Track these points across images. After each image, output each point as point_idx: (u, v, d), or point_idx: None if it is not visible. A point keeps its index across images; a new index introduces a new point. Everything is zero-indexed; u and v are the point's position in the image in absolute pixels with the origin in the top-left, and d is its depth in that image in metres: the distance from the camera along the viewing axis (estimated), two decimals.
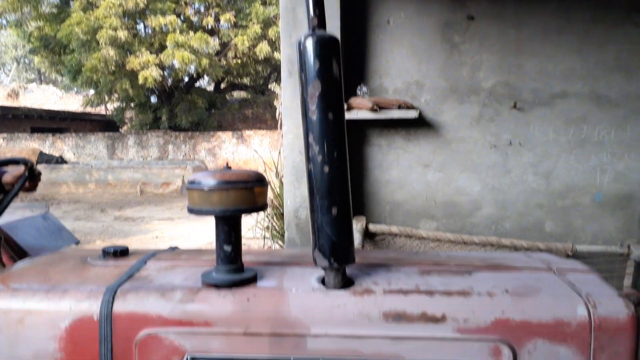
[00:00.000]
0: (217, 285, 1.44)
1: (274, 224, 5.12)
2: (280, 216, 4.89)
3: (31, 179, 2.18)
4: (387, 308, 1.37)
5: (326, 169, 1.32)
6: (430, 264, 1.63)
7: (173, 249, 1.91)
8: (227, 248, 1.44)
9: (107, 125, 30.82)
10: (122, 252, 1.73)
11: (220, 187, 1.33)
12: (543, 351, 1.32)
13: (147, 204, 15.63)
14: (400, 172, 4.12)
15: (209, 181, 1.34)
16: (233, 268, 1.45)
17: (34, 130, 27.14)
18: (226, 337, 1.39)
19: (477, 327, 1.33)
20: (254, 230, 5.16)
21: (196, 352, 1.40)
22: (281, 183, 4.90)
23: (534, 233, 3.98)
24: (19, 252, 2.11)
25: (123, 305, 1.43)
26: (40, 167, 16.04)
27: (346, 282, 1.45)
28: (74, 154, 24.66)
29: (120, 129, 29.40)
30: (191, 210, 1.38)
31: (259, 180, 1.39)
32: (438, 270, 1.55)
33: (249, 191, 1.36)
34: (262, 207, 1.42)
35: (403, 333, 1.35)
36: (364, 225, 4.21)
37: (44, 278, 1.55)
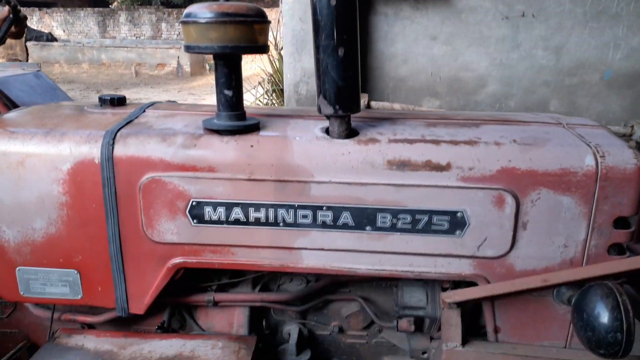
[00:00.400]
0: (219, 131, 1.41)
1: (274, 101, 5.02)
2: (280, 92, 4.77)
3: (16, 22, 2.05)
4: (391, 156, 1.36)
5: (333, 1, 1.22)
6: (437, 117, 1.59)
7: (171, 102, 1.86)
8: (228, 92, 1.38)
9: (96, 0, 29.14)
10: (119, 100, 1.68)
11: (218, 20, 1.24)
12: (546, 200, 1.32)
13: (143, 86, 15.30)
14: (406, 44, 3.93)
15: (205, 13, 1.24)
16: (235, 114, 1.41)
17: (20, 4, 25.65)
18: (230, 183, 1.39)
19: (482, 176, 1.33)
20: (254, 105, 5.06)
21: (200, 197, 1.41)
22: (280, 57, 4.71)
23: (539, 112, 3.92)
24: (11, 106, 2.05)
25: (124, 149, 1.40)
26: (30, 45, 15.40)
27: (351, 132, 1.42)
28: (64, 30, 23.60)
29: (110, 5, 27.85)
30: (188, 48, 1.30)
31: (259, 15, 1.29)
32: (445, 123, 1.52)
33: (249, 27, 1.27)
34: (263, 47, 1.34)
35: (407, 181, 1.35)
36: (366, 102, 4.13)
37: (41, 123, 1.51)
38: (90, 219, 1.45)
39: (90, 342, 1.57)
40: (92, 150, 1.41)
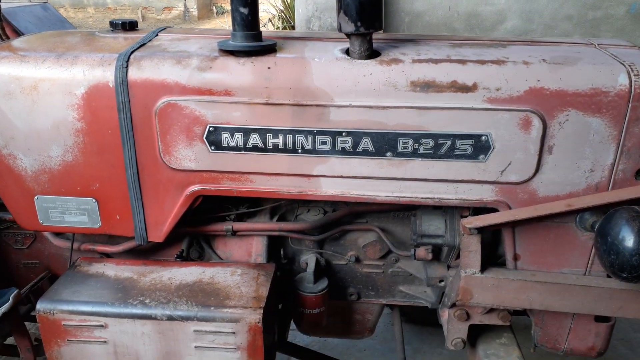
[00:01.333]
0: (235, 53, 1.36)
1: None
2: (291, 29, 4.63)
3: None
4: (415, 77, 1.30)
5: None
6: (462, 39, 1.52)
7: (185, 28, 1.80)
8: (244, 10, 1.32)
9: None
10: (130, 25, 1.62)
11: None
12: (575, 122, 1.28)
13: (150, 29, 14.99)
14: None
15: None
16: (251, 34, 1.35)
17: None
18: (247, 107, 1.36)
19: (509, 97, 1.28)
20: None
21: (218, 122, 1.38)
22: None
23: None
24: (17, 34, 2.00)
25: (138, 72, 1.36)
26: None
27: (372, 53, 1.36)
28: None
29: None
30: None
31: None
32: (471, 44, 1.45)
33: None
34: None
35: (431, 103, 1.30)
36: None
37: (52, 47, 1.47)
38: (106, 145, 1.44)
39: (111, 270, 1.59)
40: (106, 74, 1.37)
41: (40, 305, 1.43)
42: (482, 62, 1.31)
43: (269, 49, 1.38)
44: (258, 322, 1.40)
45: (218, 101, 1.35)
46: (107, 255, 1.72)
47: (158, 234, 1.56)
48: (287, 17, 4.65)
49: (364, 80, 1.32)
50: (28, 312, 1.81)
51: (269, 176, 1.42)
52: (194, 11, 16.60)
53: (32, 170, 1.49)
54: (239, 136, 1.37)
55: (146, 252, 1.72)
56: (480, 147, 1.31)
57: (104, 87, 1.37)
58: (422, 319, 2.72)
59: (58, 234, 1.71)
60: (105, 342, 1.44)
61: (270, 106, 1.34)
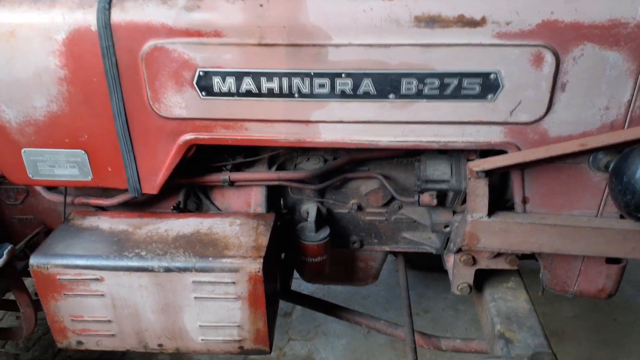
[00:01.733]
0: None
1: None
2: None
3: None
4: (419, 11, 1.21)
5: None
6: None
7: None
8: None
9: None
10: None
11: None
12: (590, 57, 1.19)
13: None
14: None
15: None
16: None
17: None
18: (239, 49, 1.27)
19: (520, 31, 1.18)
20: None
21: (208, 66, 1.29)
22: None
23: None
24: None
25: (122, 14, 1.26)
26: None
27: None
28: None
29: None
30: None
31: None
32: None
33: None
34: None
35: (436, 40, 1.21)
36: None
37: None
38: (92, 94, 1.36)
39: (105, 222, 1.55)
40: (87, 17, 1.27)
41: (34, 260, 1.40)
42: None
43: None
44: (258, 272, 1.37)
45: (207, 43, 1.26)
46: (102, 209, 1.68)
47: (152, 185, 1.51)
48: None
49: (363, 16, 1.22)
50: (25, 268, 1.79)
51: (265, 123, 1.36)
52: None
53: (17, 122, 1.42)
54: (231, 81, 1.29)
55: (142, 205, 1.67)
56: (488, 85, 1.24)
57: (85, 31, 1.28)
58: (426, 265, 2.72)
59: (50, 188, 1.66)
60: (102, 295, 1.42)
61: (264, 47, 1.25)
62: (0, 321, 2.25)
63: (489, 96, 1.25)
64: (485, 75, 1.23)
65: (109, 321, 1.47)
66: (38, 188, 1.66)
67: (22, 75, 1.35)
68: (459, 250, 1.45)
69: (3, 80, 1.36)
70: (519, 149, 1.30)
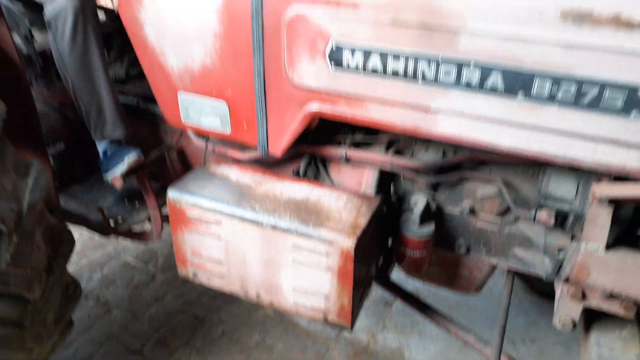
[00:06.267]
0: None
1: None
2: None
3: None
4: (568, 4, 1.09)
5: None
6: None
7: None
8: None
9: None
10: None
11: None
12: None
13: None
14: None
15: None
16: None
17: None
18: (372, 25, 1.29)
19: None
20: None
21: (341, 39, 1.34)
22: None
23: None
24: None
25: None
26: None
27: None
28: None
29: None
30: None
31: None
32: None
33: None
34: None
35: (582, 39, 1.09)
36: None
37: None
38: (239, 52, 1.50)
39: (234, 173, 1.72)
40: None
41: (170, 193, 1.62)
42: None
43: None
44: (350, 249, 1.40)
45: (344, 16, 1.31)
46: (237, 161, 1.86)
47: (277, 147, 1.62)
48: None
49: (504, 3, 1.14)
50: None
51: (384, 105, 1.36)
52: None
53: (178, 68, 1.64)
54: (359, 56, 1.32)
55: (269, 165, 1.81)
56: (635, 101, 1.07)
57: None
58: (547, 291, 2.46)
59: (197, 135, 1.89)
60: (219, 237, 1.59)
61: (396, 25, 1.26)
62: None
63: (633, 114, 1.08)
64: (632, 89, 1.07)
65: (220, 262, 1.64)
66: (188, 132, 1.90)
67: (187, 26, 1.55)
68: (568, 280, 1.30)
69: (172, 29, 1.57)
70: None
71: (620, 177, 1.20)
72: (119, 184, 1.83)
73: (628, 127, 1.11)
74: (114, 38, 2.02)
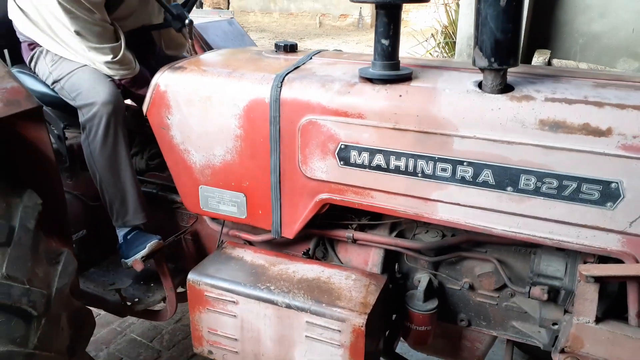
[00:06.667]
0: (372, 80, 1.50)
1: (444, 54, 4.89)
2: (452, 46, 4.62)
3: None
4: (545, 116, 1.30)
5: None
6: (610, 78, 1.44)
7: (337, 51, 1.99)
8: (385, 42, 1.44)
9: None
10: (291, 47, 1.86)
11: None
12: None
13: (325, 36, 15.94)
14: None
15: None
16: (389, 64, 1.47)
17: None
18: (376, 130, 1.48)
19: None
20: None
21: (349, 141, 1.53)
22: (457, 6, 4.52)
23: None
24: (206, 49, 2.40)
25: (289, 92, 1.58)
26: None
27: (505, 87, 1.38)
28: None
29: None
30: None
31: None
32: (617, 85, 1.38)
33: None
34: None
35: (558, 143, 1.28)
36: (547, 60, 3.79)
37: (226, 64, 1.77)
38: (257, 151, 1.68)
39: (249, 255, 1.85)
40: (264, 91, 1.61)
41: (191, 276, 1.74)
42: (622, 107, 1.24)
43: (404, 78, 1.48)
44: (362, 326, 1.52)
45: (351, 122, 1.50)
46: (249, 243, 2.00)
47: (290, 231, 1.77)
48: (450, 33, 4.64)
49: (491, 114, 1.35)
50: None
51: (389, 194, 1.53)
52: (367, 19, 17.19)
53: (200, 164, 1.81)
54: (365, 155, 1.51)
55: (280, 246, 1.95)
56: (608, 193, 1.26)
57: (261, 102, 1.61)
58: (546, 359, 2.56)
59: (213, 219, 2.03)
60: (235, 316, 1.70)
61: (397, 131, 1.45)
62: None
63: (609, 204, 1.26)
64: (606, 183, 1.25)
65: (236, 339, 1.74)
66: (204, 217, 2.05)
67: (210, 129, 1.74)
68: (563, 351, 1.43)
69: (196, 131, 1.76)
70: (637, 260, 1.27)
71: (604, 256, 1.36)
72: (139, 267, 1.95)
73: (605, 215, 1.28)
74: (135, 134, 2.20)
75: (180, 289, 2.16)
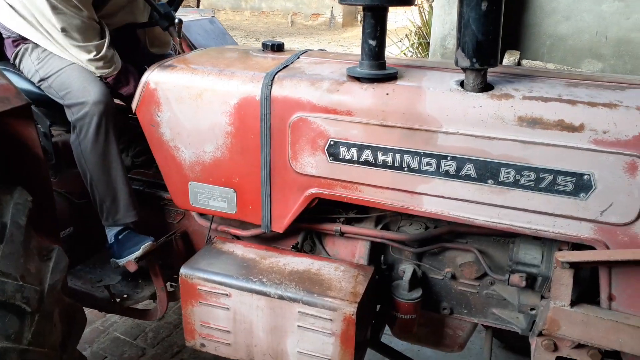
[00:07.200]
0: (360, 79, 1.56)
1: (418, 55, 5.01)
2: (426, 46, 4.74)
3: None
4: (523, 113, 1.39)
5: None
6: (581, 78, 1.55)
7: (322, 50, 2.05)
8: (372, 42, 1.51)
9: None
10: (278, 47, 1.91)
11: None
12: None
13: (297, 35, 15.99)
14: None
15: None
16: (376, 64, 1.54)
17: None
18: (364, 127, 1.55)
19: (617, 140, 1.31)
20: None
21: (338, 137, 1.59)
22: (431, 8, 4.65)
23: None
24: (192, 48, 2.43)
25: (280, 90, 1.63)
26: None
27: (485, 86, 1.47)
28: None
29: None
30: (342, 0, 1.46)
31: None
32: (588, 84, 1.48)
33: None
34: (409, 0, 1.44)
35: (535, 138, 1.38)
36: (517, 60, 3.94)
37: (215, 62, 1.81)
38: (248, 147, 1.73)
39: (239, 250, 1.90)
40: (255, 89, 1.66)
41: (183, 270, 1.78)
42: (593, 105, 1.35)
43: (390, 77, 1.56)
44: (352, 315, 1.59)
45: (340, 119, 1.56)
46: (238, 238, 2.04)
47: (280, 225, 1.82)
48: (424, 34, 4.76)
49: (473, 112, 1.43)
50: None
51: (376, 188, 1.60)
52: (339, 19, 17.31)
53: (190, 160, 1.84)
54: (354, 151, 1.57)
55: (268, 240, 2.00)
56: (581, 185, 1.36)
57: (251, 99, 1.66)
58: (521, 347, 2.69)
59: (202, 214, 2.07)
60: (227, 308, 1.74)
61: (384, 127, 1.52)
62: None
63: (582, 195, 1.36)
64: (579, 176, 1.35)
65: (228, 331, 1.78)
66: (193, 213, 2.08)
67: (201, 127, 1.77)
68: (541, 334, 1.53)
69: (186, 128, 1.79)
70: (607, 247, 1.38)
71: (577, 244, 1.47)
72: (133, 268, 1.97)
73: (578, 205, 1.38)
74: (120, 131, 2.21)
75: (170, 288, 2.19)
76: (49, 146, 2.05)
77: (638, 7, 3.45)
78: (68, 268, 2.16)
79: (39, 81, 1.94)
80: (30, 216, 1.64)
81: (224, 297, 1.74)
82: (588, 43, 3.73)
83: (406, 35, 5.00)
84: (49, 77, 1.90)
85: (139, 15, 2.12)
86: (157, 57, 2.09)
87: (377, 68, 1.55)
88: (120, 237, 2.01)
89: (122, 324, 3.10)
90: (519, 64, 3.90)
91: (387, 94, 1.52)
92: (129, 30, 2.12)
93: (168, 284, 2.21)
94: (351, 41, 14.77)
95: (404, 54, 4.99)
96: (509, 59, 3.85)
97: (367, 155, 1.57)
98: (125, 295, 2.14)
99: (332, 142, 1.60)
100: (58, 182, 2.21)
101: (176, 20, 1.99)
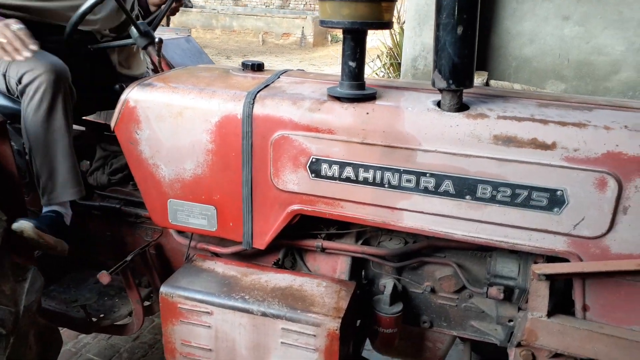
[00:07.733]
0: (341, 99, 1.60)
1: (390, 75, 5.13)
2: (397, 66, 4.86)
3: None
4: (498, 132, 1.45)
5: None
6: (551, 99, 1.63)
7: (300, 70, 2.09)
8: (352, 64, 1.56)
9: None
10: (258, 66, 1.94)
11: None
12: None
13: (269, 54, 16.08)
14: (534, 23, 3.81)
15: None
16: (356, 84, 1.59)
17: None
18: (345, 145, 1.58)
19: (586, 158, 1.38)
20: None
21: (320, 155, 1.62)
22: (401, 30, 4.78)
23: None
24: (169, 67, 2.43)
25: (261, 109, 1.65)
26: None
27: (461, 106, 1.53)
28: None
29: None
30: (323, 23, 1.50)
31: None
32: (557, 105, 1.56)
33: (377, 5, 1.42)
34: (388, 24, 1.49)
35: (510, 156, 1.44)
36: (485, 81, 4.08)
37: (196, 81, 1.82)
38: (229, 165, 1.74)
39: (220, 267, 1.89)
40: (236, 108, 1.67)
41: (164, 289, 1.76)
42: (564, 124, 1.42)
43: (370, 97, 1.60)
44: (336, 330, 1.60)
45: (322, 137, 1.59)
46: (218, 255, 2.03)
47: (261, 242, 1.83)
48: (395, 55, 4.89)
49: (450, 130, 1.49)
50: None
51: (358, 204, 1.63)
52: (310, 38, 17.52)
53: (169, 178, 1.83)
54: (335, 168, 1.60)
55: (248, 257, 2.00)
56: (555, 200, 1.42)
57: (233, 118, 1.68)
58: (498, 359, 2.74)
59: (180, 232, 2.05)
60: (209, 326, 1.73)
61: (365, 145, 1.56)
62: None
63: (555, 209, 1.43)
64: (552, 191, 1.42)
65: (210, 350, 1.76)
66: (171, 231, 2.06)
67: (181, 144, 1.77)
68: (519, 345, 1.57)
69: (166, 146, 1.79)
70: (580, 259, 1.44)
71: (552, 257, 1.53)
72: (106, 280, 1.91)
73: (552, 219, 1.44)
74: (95, 148, 2.19)
75: (145, 303, 2.15)
76: (22, 164, 2.00)
77: (597, 31, 3.64)
78: (42, 288, 2.12)
79: (2, 76, 1.89)
80: (4, 236, 1.61)
81: (206, 315, 1.73)
82: (551, 65, 3.91)
83: (378, 56, 5.12)
84: (6, 67, 1.85)
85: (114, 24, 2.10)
86: (127, 79, 2.08)
87: (356, 88, 1.59)
88: (46, 215, 1.90)
89: (95, 345, 3.01)
90: (487, 84, 4.05)
91: (367, 113, 1.57)
92: (101, 52, 2.11)
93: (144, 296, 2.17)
94: (322, 60, 14.96)
95: (376, 74, 5.10)
96: (478, 79, 3.99)
97: (348, 172, 1.60)
98: (101, 315, 2.09)
99: (314, 160, 1.63)
100: (31, 201, 2.16)
101: (156, 40, 2.00)
